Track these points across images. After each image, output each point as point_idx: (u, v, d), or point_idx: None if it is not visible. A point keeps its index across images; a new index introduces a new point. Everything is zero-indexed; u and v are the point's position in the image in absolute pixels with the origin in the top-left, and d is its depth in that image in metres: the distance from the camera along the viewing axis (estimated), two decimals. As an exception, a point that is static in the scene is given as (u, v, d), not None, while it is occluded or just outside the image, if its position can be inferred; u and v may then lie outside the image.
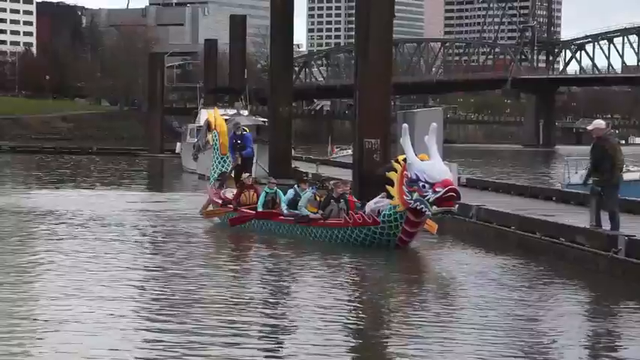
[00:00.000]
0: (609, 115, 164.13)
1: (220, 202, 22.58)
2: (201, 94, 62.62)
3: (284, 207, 20.24)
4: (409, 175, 17.51)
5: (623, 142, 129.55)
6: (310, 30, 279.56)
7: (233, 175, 23.60)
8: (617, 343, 11.19)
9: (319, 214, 19.29)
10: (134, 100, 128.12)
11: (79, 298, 12.86)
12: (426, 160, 17.69)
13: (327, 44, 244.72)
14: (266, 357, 10.08)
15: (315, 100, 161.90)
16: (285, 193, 20.70)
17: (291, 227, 19.90)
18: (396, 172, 17.91)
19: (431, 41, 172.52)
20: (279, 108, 37.97)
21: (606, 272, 15.17)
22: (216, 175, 23.78)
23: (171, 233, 20.97)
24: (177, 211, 25.91)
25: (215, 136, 24.21)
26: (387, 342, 11.05)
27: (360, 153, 25.07)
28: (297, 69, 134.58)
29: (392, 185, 17.98)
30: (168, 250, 18.34)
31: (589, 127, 16.42)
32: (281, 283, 14.89)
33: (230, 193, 22.57)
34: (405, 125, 18.33)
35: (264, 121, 43.82)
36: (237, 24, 62.23)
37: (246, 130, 24.99)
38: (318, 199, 19.59)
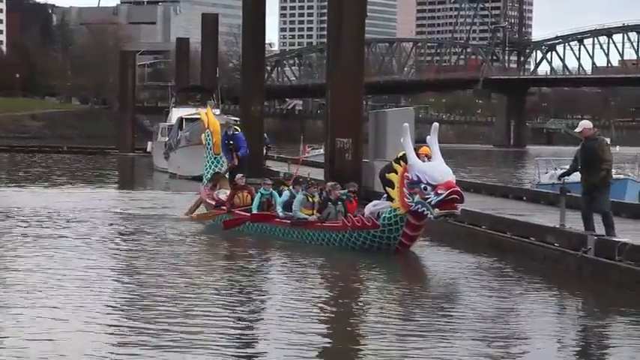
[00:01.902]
0: (579, 116, 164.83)
1: (213, 203, 22.16)
2: (172, 92, 62.34)
3: (279, 209, 19.61)
4: (410, 177, 16.74)
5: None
6: (282, 29, 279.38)
7: (227, 176, 23.26)
8: (582, 342, 11.27)
9: (317, 217, 18.73)
10: (104, 98, 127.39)
11: (36, 301, 12.64)
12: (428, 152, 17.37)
13: (299, 43, 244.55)
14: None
15: (287, 100, 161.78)
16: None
17: (288, 230, 19.33)
18: (397, 173, 17.19)
19: (403, 41, 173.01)
20: (251, 107, 38.00)
21: (576, 272, 15.26)
22: (209, 176, 23.41)
23: (145, 234, 20.61)
24: (149, 210, 25.74)
25: (208, 135, 23.80)
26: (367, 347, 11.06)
27: (332, 152, 25.12)
28: (269, 68, 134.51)
29: (392, 187, 17.26)
30: (138, 250, 18.20)
31: (578, 130, 15.78)
32: (266, 286, 14.69)
33: (223, 194, 22.08)
34: (406, 125, 17.43)
35: (235, 121, 43.76)
36: (209, 23, 62.19)
37: (237, 130, 24.77)
38: (310, 199, 19.07)
